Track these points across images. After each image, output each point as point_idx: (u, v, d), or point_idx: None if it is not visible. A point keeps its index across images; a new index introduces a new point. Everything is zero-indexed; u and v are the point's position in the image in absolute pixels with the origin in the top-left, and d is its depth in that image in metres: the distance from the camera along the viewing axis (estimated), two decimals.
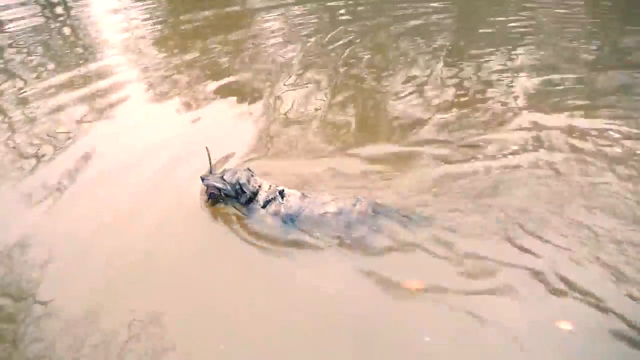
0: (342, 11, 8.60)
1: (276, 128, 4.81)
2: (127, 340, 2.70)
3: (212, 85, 5.80)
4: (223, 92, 5.65)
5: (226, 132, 4.88)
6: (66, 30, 8.69)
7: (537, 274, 2.89)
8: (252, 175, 3.55)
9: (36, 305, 2.97)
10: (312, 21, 8.05)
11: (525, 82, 5.51)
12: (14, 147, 4.71)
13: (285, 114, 5.04)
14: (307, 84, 5.71)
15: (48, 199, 3.87)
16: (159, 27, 8.39)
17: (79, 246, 3.41)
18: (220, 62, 6.53)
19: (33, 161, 4.44)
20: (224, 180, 3.49)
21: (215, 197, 3.54)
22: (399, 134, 4.60)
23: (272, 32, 7.69)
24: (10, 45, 7.76)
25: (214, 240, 3.39)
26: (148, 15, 9.14)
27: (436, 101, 5.17)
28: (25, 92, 5.93)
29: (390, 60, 6.34)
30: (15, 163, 4.45)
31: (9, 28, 8.67)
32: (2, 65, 6.88)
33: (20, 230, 3.53)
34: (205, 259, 3.25)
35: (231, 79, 5.98)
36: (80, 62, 6.90)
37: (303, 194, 3.44)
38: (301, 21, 8.12)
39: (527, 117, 4.70)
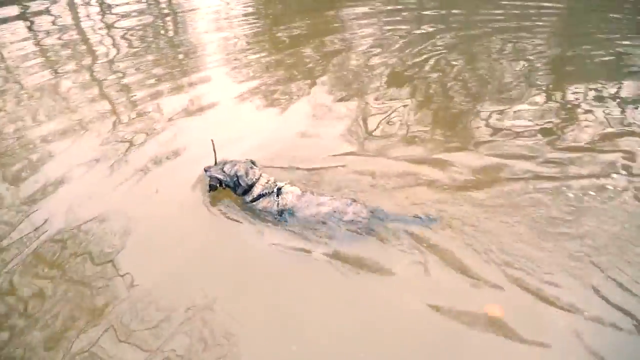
0: (434, 20, 8.44)
1: (361, 130, 4.85)
2: (182, 323, 2.82)
3: (302, 88, 5.91)
4: (311, 94, 5.75)
5: (315, 131, 4.95)
6: (169, 25, 9.29)
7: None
8: (251, 168, 3.65)
9: (112, 269, 3.23)
10: (403, 28, 7.98)
11: (627, 105, 5.10)
12: (115, 131, 5.12)
13: (371, 121, 5.06)
14: (393, 92, 5.67)
15: (131, 179, 4.19)
16: (255, 27, 8.70)
17: (156, 225, 3.64)
18: (310, 65, 6.63)
19: (126, 145, 4.81)
20: (224, 172, 3.63)
21: (215, 188, 3.68)
22: (485, 145, 4.46)
23: (363, 37, 7.72)
24: (122, 37, 8.44)
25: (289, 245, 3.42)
26: (246, 16, 9.52)
27: (526, 115, 4.99)
28: (125, 81, 6.44)
29: (481, 73, 6.12)
30: (114, 145, 4.82)
31: (119, 23, 9.44)
32: (107, 58, 7.49)
33: (107, 204, 3.85)
34: (277, 262, 3.28)
35: (319, 82, 6.06)
36: (179, 56, 7.34)
37: (303, 193, 3.49)
38: (392, 28, 8.07)
39: (624, 142, 4.35)
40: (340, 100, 5.59)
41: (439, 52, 6.80)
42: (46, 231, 3.62)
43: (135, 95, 5.97)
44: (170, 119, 5.30)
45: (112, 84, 6.39)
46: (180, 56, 7.33)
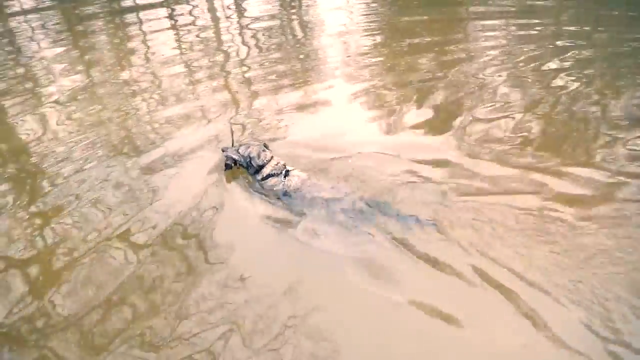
0: (574, 37, 7.69)
1: (466, 139, 4.58)
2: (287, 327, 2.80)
3: (412, 95, 5.72)
4: (422, 103, 5.53)
5: (416, 139, 4.78)
6: (296, 28, 9.67)
7: None
8: (263, 151, 3.99)
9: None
10: (535, 42, 7.38)
11: None
12: (229, 118, 5.41)
13: (478, 129, 4.75)
14: (509, 107, 5.23)
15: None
16: (375, 30, 8.71)
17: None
18: (426, 73, 6.41)
19: (240, 130, 5.07)
20: (239, 153, 4.04)
21: (230, 167, 4.11)
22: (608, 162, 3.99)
23: (486, 49, 7.29)
24: (252, 37, 8.99)
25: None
26: (367, 17, 9.57)
27: None
28: (248, 75, 6.80)
29: (619, 92, 5.40)
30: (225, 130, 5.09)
31: (251, 24, 10.05)
32: (237, 56, 7.97)
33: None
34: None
35: (431, 90, 5.81)
36: (300, 56, 7.58)
37: (308, 178, 3.78)
38: (521, 41, 7.52)
39: None
40: (449, 107, 5.30)
41: (572, 70, 6.14)
42: (159, 199, 3.94)
43: (254, 88, 6.27)
44: (281, 111, 5.48)
45: (236, 77, 6.78)
46: (302, 56, 7.56)
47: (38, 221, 3.87)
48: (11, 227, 3.83)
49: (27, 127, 5.67)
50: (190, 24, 10.21)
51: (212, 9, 11.61)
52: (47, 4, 11.17)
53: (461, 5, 10.24)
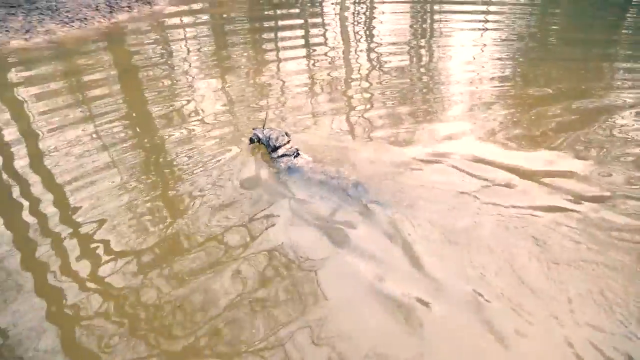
0: None
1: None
2: None
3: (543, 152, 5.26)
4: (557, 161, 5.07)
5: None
6: (424, 57, 9.58)
7: None
8: (282, 135, 5.03)
9: None
10: None
11: None
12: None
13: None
14: None
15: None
16: (506, 77, 8.30)
17: None
18: (562, 128, 5.80)
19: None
20: (263, 133, 5.12)
21: (253, 142, 5.22)
22: None
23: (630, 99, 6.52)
24: (376, 59, 9.10)
25: None
26: (499, 60, 9.16)
27: None
28: (366, 96, 6.85)
29: None
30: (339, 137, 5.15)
31: (378, 48, 10.19)
32: (359, 75, 8.08)
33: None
34: None
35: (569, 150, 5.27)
36: (425, 90, 7.46)
37: (313, 162, 4.78)
38: None
39: None
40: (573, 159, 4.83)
41: None
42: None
43: (369, 112, 6.30)
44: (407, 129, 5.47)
45: (354, 96, 6.89)
46: (425, 90, 7.44)
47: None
48: None
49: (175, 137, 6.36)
50: (321, 44, 10.68)
51: (344, 32, 12.01)
52: (202, 19, 12.51)
53: (610, 45, 9.35)
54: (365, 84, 7.41)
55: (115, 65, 8.61)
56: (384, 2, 15.12)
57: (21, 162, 5.22)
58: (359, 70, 8.24)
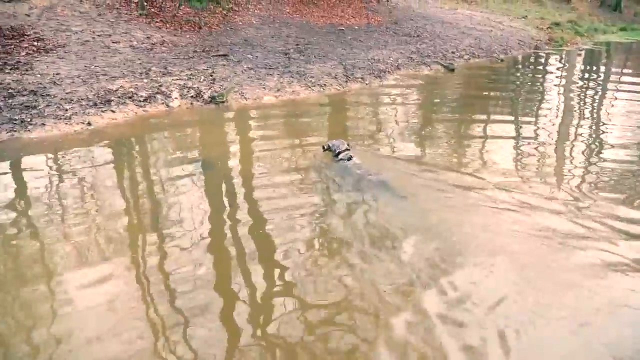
0: None
1: None
2: None
3: None
4: None
5: None
6: None
7: None
8: (342, 144, 7.32)
9: None
10: None
11: None
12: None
13: None
14: None
15: None
16: None
17: None
18: None
19: None
20: (333, 143, 7.37)
21: (324, 149, 7.44)
22: None
23: None
24: None
25: None
26: None
27: None
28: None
29: None
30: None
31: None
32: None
33: None
34: None
35: None
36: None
37: (360, 164, 6.95)
38: None
39: None
40: None
41: None
42: None
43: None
44: None
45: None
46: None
47: None
48: None
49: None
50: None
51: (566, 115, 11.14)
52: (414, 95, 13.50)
53: None
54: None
55: (330, 126, 9.91)
56: (618, 87, 13.47)
57: None
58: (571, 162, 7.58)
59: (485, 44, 19.62)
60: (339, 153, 7.17)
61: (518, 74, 16.20)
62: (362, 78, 13.44)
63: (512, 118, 10.90)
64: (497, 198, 6.02)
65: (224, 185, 6.52)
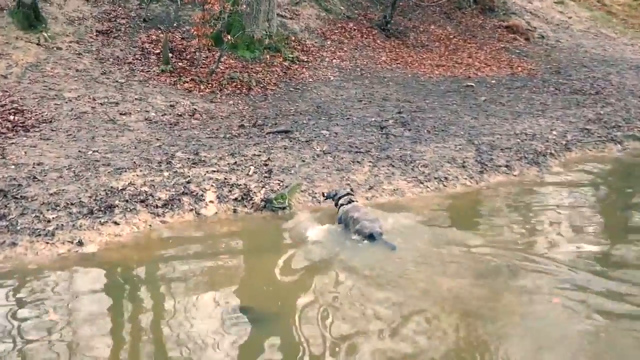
0: None
1: None
2: None
3: None
4: None
5: None
6: None
7: None
8: (342, 190, 6.93)
9: None
10: None
11: None
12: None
13: None
14: None
15: None
16: None
17: None
18: None
19: None
20: (331, 191, 7.04)
21: (326, 198, 7.01)
22: None
23: None
24: None
25: None
26: None
27: None
28: None
29: None
30: None
31: None
32: None
33: None
34: None
35: None
36: None
37: (360, 208, 6.50)
38: None
39: None
40: None
41: None
42: None
43: None
44: None
45: None
46: None
47: None
48: None
49: None
50: None
51: None
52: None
53: None
54: None
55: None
56: None
57: None
58: None
59: None
60: (340, 198, 6.80)
61: None
62: (507, 166, 9.06)
63: None
64: None
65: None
